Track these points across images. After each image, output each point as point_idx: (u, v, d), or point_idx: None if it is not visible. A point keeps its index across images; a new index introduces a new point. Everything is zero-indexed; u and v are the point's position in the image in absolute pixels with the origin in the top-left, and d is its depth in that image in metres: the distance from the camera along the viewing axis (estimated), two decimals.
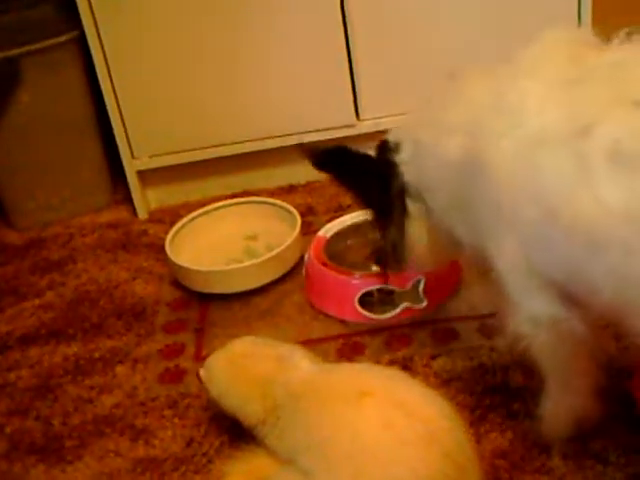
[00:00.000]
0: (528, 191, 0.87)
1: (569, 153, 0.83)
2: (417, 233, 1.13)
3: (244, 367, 1.12)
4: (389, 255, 1.18)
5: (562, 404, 1.02)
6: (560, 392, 1.02)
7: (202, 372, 1.16)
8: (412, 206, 1.11)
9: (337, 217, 1.55)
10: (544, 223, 0.86)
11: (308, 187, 1.80)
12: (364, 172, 1.16)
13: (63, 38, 1.70)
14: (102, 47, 1.66)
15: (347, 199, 1.73)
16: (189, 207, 1.75)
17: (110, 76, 1.68)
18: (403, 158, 1.11)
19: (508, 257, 0.94)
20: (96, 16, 1.63)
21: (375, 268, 1.36)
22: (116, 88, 1.70)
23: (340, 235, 1.50)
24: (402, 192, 1.11)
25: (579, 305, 0.92)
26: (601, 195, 0.80)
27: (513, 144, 0.89)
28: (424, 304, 1.37)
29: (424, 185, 1.08)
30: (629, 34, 0.87)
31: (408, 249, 1.15)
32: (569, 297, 0.92)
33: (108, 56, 1.67)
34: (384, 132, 1.74)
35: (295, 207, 1.62)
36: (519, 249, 0.92)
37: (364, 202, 1.19)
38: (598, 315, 0.92)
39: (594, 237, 0.81)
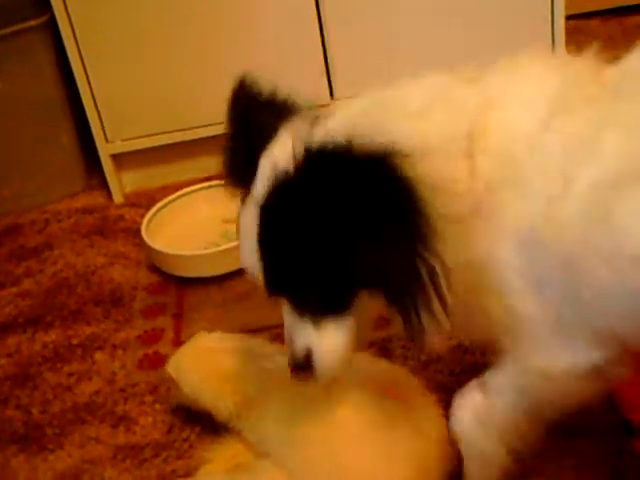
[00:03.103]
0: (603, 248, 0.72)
1: None
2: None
3: (213, 363, 1.12)
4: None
5: None
6: None
7: (170, 370, 1.15)
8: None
9: None
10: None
11: None
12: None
13: (33, 22, 1.68)
14: (73, 31, 1.64)
15: None
16: (165, 190, 1.74)
17: (82, 60, 1.67)
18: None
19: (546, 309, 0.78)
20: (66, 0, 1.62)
21: None
22: (88, 72, 1.68)
23: None
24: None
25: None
26: None
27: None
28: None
29: None
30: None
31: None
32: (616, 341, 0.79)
33: (79, 40, 1.65)
34: None
35: None
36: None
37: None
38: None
39: None
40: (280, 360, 1.08)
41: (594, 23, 2.19)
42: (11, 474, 1.15)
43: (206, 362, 1.12)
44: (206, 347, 1.14)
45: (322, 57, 1.69)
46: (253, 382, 1.06)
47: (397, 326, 0.78)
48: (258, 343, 1.14)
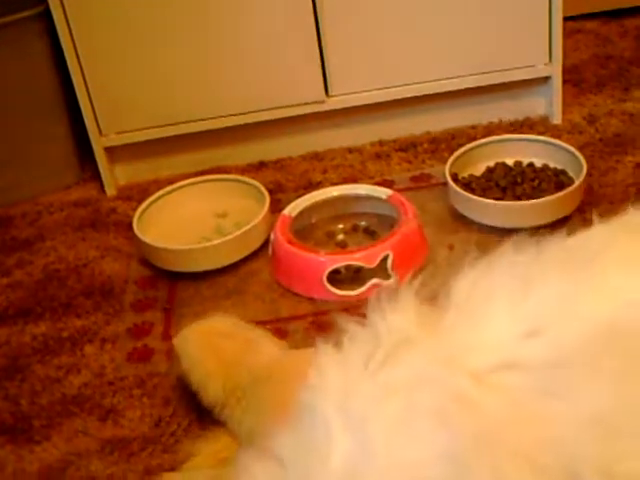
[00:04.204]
0: None
1: None
2: None
3: (215, 345, 1.13)
4: None
5: None
6: None
7: (175, 342, 1.16)
8: None
9: (306, 194, 1.56)
10: None
11: (278, 164, 1.79)
12: None
13: (27, 13, 1.67)
14: (67, 23, 1.63)
15: (317, 176, 1.73)
16: (158, 184, 1.74)
17: (76, 52, 1.66)
18: None
19: None
20: None
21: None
22: (82, 64, 1.67)
23: (305, 213, 1.50)
24: None
25: None
26: None
27: None
28: (392, 280, 1.38)
29: None
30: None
31: None
32: None
33: (74, 32, 1.64)
34: (354, 109, 1.77)
35: (265, 184, 1.62)
36: None
37: None
38: None
39: None
40: (274, 352, 1.08)
41: (594, 24, 2.19)
42: None
43: (210, 343, 1.13)
44: (215, 329, 1.15)
45: (318, 54, 1.69)
46: (246, 371, 1.06)
47: None
48: (258, 333, 1.14)
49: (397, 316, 0.64)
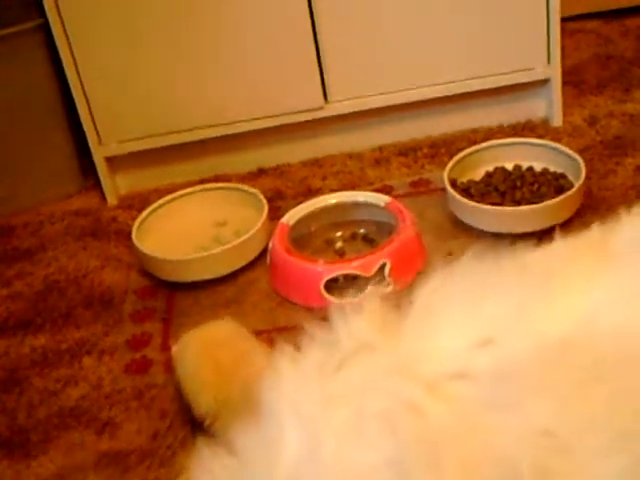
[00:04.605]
0: None
1: None
2: None
3: (211, 354, 1.13)
4: None
5: None
6: None
7: (174, 349, 1.15)
8: None
9: (305, 202, 1.55)
10: None
11: (278, 170, 1.79)
12: None
13: (26, 25, 1.68)
14: (66, 34, 1.64)
15: (316, 182, 1.73)
16: (159, 193, 1.74)
17: (75, 63, 1.67)
18: None
19: None
20: (59, 2, 1.61)
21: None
22: (81, 74, 1.68)
23: (303, 221, 1.50)
24: None
25: None
26: None
27: None
28: (390, 288, 1.37)
29: None
30: None
31: None
32: None
33: (72, 43, 1.65)
34: (353, 114, 1.76)
35: (264, 191, 1.62)
36: None
37: None
38: None
39: None
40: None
41: (595, 24, 2.18)
42: None
43: (206, 352, 1.12)
44: (214, 337, 1.14)
45: (316, 60, 1.69)
46: (239, 384, 1.05)
47: None
48: (253, 345, 1.13)
49: (359, 321, 0.65)
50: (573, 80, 1.91)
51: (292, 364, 0.63)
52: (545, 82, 1.76)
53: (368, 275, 1.36)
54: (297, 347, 0.66)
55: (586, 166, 1.51)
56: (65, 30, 1.64)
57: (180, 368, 1.14)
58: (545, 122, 1.80)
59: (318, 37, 1.67)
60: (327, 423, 0.59)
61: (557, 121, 1.78)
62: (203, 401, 1.08)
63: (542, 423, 0.58)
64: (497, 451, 0.57)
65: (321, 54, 1.69)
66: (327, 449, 0.58)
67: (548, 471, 0.57)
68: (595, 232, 0.73)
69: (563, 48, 1.75)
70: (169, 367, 1.30)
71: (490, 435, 0.58)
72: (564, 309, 0.64)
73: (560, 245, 0.73)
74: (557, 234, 0.72)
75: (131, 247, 1.58)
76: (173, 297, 1.47)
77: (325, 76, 1.71)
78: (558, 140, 1.67)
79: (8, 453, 1.20)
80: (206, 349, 1.14)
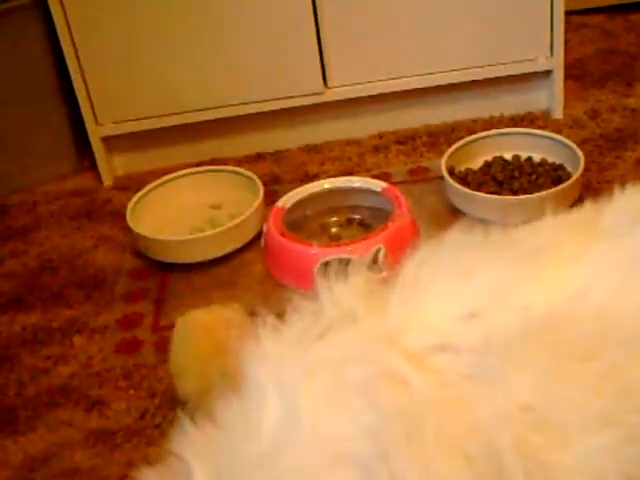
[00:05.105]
0: None
1: None
2: None
3: (205, 338, 1.10)
4: None
5: None
6: None
7: (177, 325, 1.13)
8: None
9: (302, 186, 1.54)
10: None
11: (275, 155, 1.78)
12: None
13: (23, 1, 1.66)
14: (64, 10, 1.62)
15: (314, 168, 1.72)
16: (156, 174, 1.73)
17: (73, 41, 1.65)
18: None
19: None
20: None
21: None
22: (79, 53, 1.66)
23: (299, 205, 1.49)
24: None
25: None
26: None
27: None
28: (384, 273, 1.36)
29: None
30: None
31: None
32: None
33: (70, 20, 1.63)
34: (353, 101, 1.75)
35: (261, 176, 1.61)
36: None
37: None
38: None
39: None
40: None
41: (599, 19, 2.17)
42: None
43: (199, 334, 1.09)
44: (213, 320, 1.11)
45: (316, 45, 1.67)
46: (219, 373, 1.03)
47: None
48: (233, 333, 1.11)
49: (344, 291, 0.64)
50: (576, 74, 1.90)
51: (274, 333, 0.63)
52: (547, 74, 1.75)
53: (361, 260, 1.35)
54: (280, 317, 0.65)
55: (586, 158, 1.50)
56: (63, 8, 1.62)
57: (173, 345, 1.12)
58: (546, 114, 1.79)
59: (319, 22, 1.66)
60: (307, 392, 0.59)
61: (558, 113, 1.77)
62: (184, 386, 1.06)
63: (524, 397, 0.58)
64: (477, 424, 0.56)
65: (322, 39, 1.67)
66: (306, 418, 0.57)
67: (528, 445, 0.56)
68: (586, 209, 0.72)
69: (567, 42, 1.74)
70: (160, 348, 1.29)
71: (471, 408, 0.57)
72: (551, 284, 0.63)
73: (550, 221, 0.72)
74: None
75: (125, 228, 1.56)
76: (166, 278, 1.46)
77: (325, 61, 1.70)
78: (558, 132, 1.66)
79: None
80: (198, 330, 1.12)
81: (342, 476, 0.55)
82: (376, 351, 0.59)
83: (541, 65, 1.73)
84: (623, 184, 1.53)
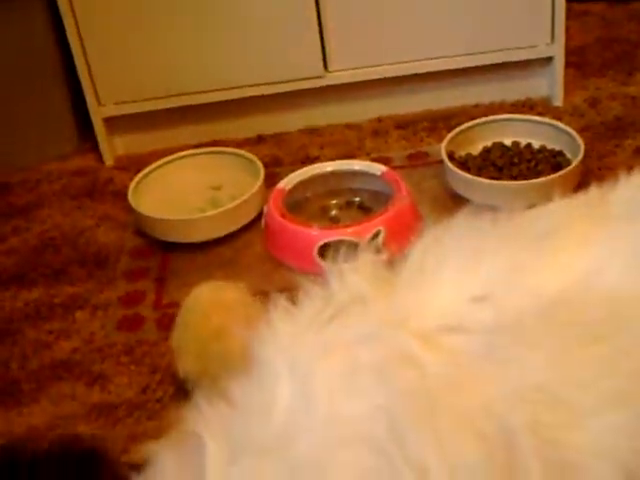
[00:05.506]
0: None
1: None
2: None
3: (202, 319, 1.11)
4: None
5: None
6: None
7: (185, 301, 1.13)
8: None
9: (302, 169, 1.56)
10: None
11: (276, 138, 1.79)
12: None
13: None
14: None
15: (314, 151, 1.73)
16: (157, 155, 1.73)
17: (76, 21, 1.66)
18: None
19: None
20: None
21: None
22: (82, 32, 1.67)
23: (299, 187, 1.50)
24: None
25: None
26: None
27: None
28: (384, 256, 1.37)
29: None
30: None
31: None
32: None
33: (73, 0, 1.64)
34: (353, 85, 1.76)
35: (262, 158, 1.62)
36: None
37: None
38: None
39: None
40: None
41: (600, 7, 2.18)
42: None
43: (205, 312, 1.09)
44: (215, 301, 1.11)
45: (317, 29, 1.68)
46: (218, 357, 1.03)
47: None
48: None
49: (353, 275, 0.65)
50: (576, 61, 1.91)
51: (286, 316, 0.64)
52: (548, 61, 1.76)
53: (362, 242, 1.37)
54: (292, 301, 0.66)
55: (585, 146, 1.51)
56: None
57: (177, 324, 1.13)
58: (546, 101, 1.80)
59: (320, 6, 1.66)
60: (320, 373, 0.59)
61: (558, 100, 1.79)
62: (183, 365, 1.08)
63: (536, 377, 0.58)
64: (490, 403, 0.57)
65: (323, 23, 1.68)
66: (320, 399, 0.58)
67: (539, 425, 0.57)
68: (593, 193, 0.73)
69: (568, 29, 1.75)
70: (161, 325, 1.31)
71: (484, 387, 0.58)
72: (561, 268, 0.64)
73: (558, 205, 0.73)
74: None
75: (127, 208, 1.58)
76: (167, 258, 1.48)
77: (326, 45, 1.70)
78: (558, 119, 1.67)
79: (1, 401, 1.20)
80: (204, 307, 1.12)
81: (356, 457, 0.56)
82: (387, 332, 0.60)
83: (542, 52, 1.74)
84: (627, 171, 1.56)
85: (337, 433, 0.57)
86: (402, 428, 0.56)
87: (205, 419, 0.61)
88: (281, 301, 0.66)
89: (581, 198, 0.72)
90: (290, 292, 0.69)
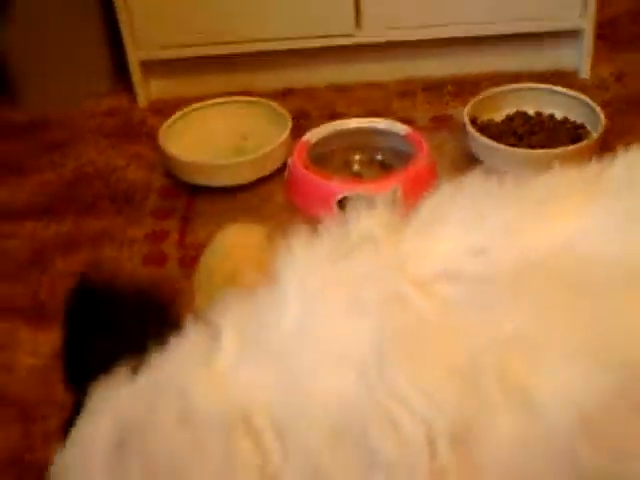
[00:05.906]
0: None
1: None
2: None
3: (220, 258, 1.15)
4: None
5: None
6: None
7: (213, 240, 1.16)
8: None
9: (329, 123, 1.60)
10: None
11: (305, 91, 1.83)
12: None
13: None
14: None
15: (341, 107, 1.78)
16: (190, 101, 1.78)
17: None
18: None
19: None
20: None
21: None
22: None
23: (324, 141, 1.55)
24: None
25: None
26: None
27: None
28: (399, 209, 1.42)
29: None
30: None
31: None
32: None
33: None
34: (385, 45, 1.79)
35: (290, 111, 1.67)
36: None
37: None
38: None
39: None
40: None
41: None
42: (17, 342, 1.26)
43: (224, 255, 1.13)
44: (240, 242, 1.15)
45: None
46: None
47: None
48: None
49: (369, 220, 0.72)
50: (605, 34, 1.92)
51: (306, 246, 0.70)
52: (577, 33, 1.78)
53: (380, 196, 1.42)
54: (309, 232, 0.73)
55: (608, 120, 1.54)
56: None
57: (202, 259, 1.17)
58: (573, 73, 1.82)
59: None
60: (326, 300, 0.67)
61: (585, 73, 1.81)
62: (197, 303, 1.12)
63: (515, 325, 0.64)
64: (467, 344, 0.64)
65: None
66: (321, 318, 0.66)
67: (509, 368, 0.63)
68: (593, 166, 0.78)
69: (597, 1, 1.76)
70: (183, 263, 1.38)
71: (465, 331, 0.65)
72: (552, 233, 0.70)
73: (559, 175, 0.78)
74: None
75: (157, 149, 1.64)
76: (193, 200, 1.54)
77: (360, 4, 1.73)
78: (583, 92, 1.69)
79: (29, 321, 1.29)
80: (230, 248, 1.16)
81: (340, 372, 0.64)
82: (388, 274, 0.67)
83: (572, 23, 1.76)
84: None
85: (331, 350, 0.65)
86: (384, 354, 0.64)
87: (220, 311, 0.69)
88: (303, 231, 0.72)
89: (582, 171, 0.77)
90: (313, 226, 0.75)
